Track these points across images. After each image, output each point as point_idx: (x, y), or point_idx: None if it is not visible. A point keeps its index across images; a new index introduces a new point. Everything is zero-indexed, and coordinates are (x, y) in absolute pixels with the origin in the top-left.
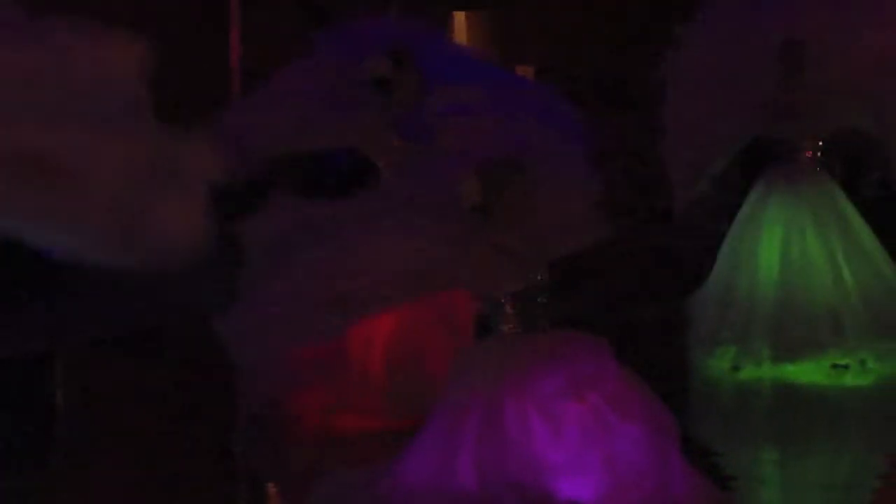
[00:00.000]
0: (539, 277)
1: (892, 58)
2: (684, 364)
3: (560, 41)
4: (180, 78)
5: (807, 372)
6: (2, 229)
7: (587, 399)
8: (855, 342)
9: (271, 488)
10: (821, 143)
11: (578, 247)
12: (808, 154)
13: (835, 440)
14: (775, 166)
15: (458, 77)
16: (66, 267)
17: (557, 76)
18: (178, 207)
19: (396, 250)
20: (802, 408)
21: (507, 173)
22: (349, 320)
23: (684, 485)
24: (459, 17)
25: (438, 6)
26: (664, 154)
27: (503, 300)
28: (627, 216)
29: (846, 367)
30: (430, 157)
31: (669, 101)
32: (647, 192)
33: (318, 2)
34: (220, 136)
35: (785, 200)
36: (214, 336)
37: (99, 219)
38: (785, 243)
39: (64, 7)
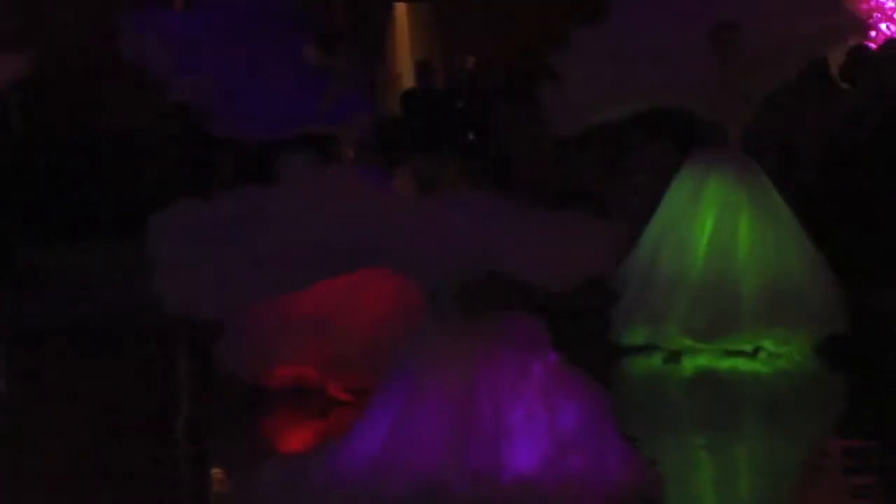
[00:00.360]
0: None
1: (813, 39)
2: (604, 349)
3: (498, 34)
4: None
5: (727, 358)
6: None
7: (532, 373)
8: (752, 329)
9: (216, 474)
10: (749, 129)
11: None
12: (736, 137)
13: (750, 426)
14: (705, 149)
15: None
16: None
17: (494, 67)
18: None
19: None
20: (717, 393)
21: (440, 164)
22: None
23: (620, 459)
24: (400, 8)
25: None
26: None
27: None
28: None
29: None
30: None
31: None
32: (572, 176)
33: None
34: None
35: (719, 183)
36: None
37: None
38: (715, 226)
39: None
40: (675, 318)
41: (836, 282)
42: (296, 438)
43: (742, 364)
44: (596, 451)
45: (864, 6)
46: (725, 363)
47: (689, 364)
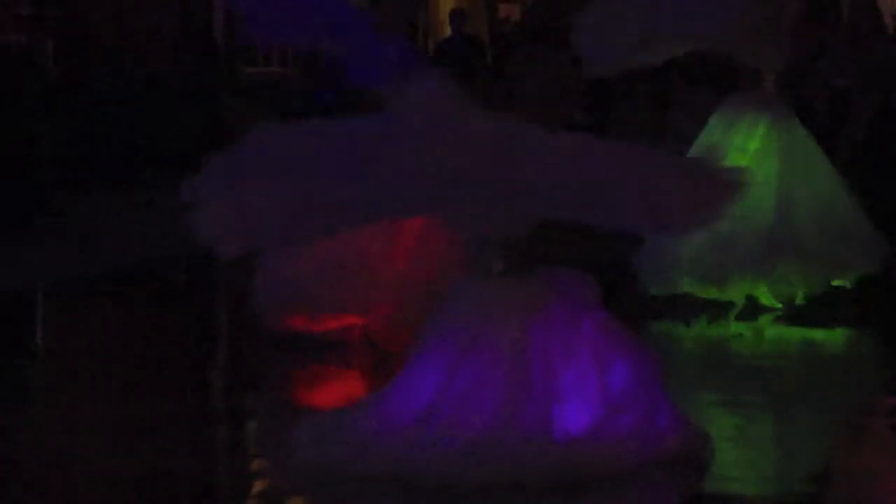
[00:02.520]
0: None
1: None
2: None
3: None
4: None
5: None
6: None
7: (583, 330)
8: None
9: (252, 428)
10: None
11: None
12: (772, 82)
13: (789, 386)
14: (739, 93)
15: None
16: (53, 206)
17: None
18: None
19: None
20: (748, 354)
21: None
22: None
23: (669, 418)
24: None
25: None
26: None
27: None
28: None
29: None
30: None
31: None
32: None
33: None
34: None
35: (751, 128)
36: (193, 276)
37: None
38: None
39: None
40: (695, 265)
41: (874, 228)
42: (335, 392)
43: (771, 326)
44: (646, 411)
45: None
46: (752, 323)
47: (719, 324)
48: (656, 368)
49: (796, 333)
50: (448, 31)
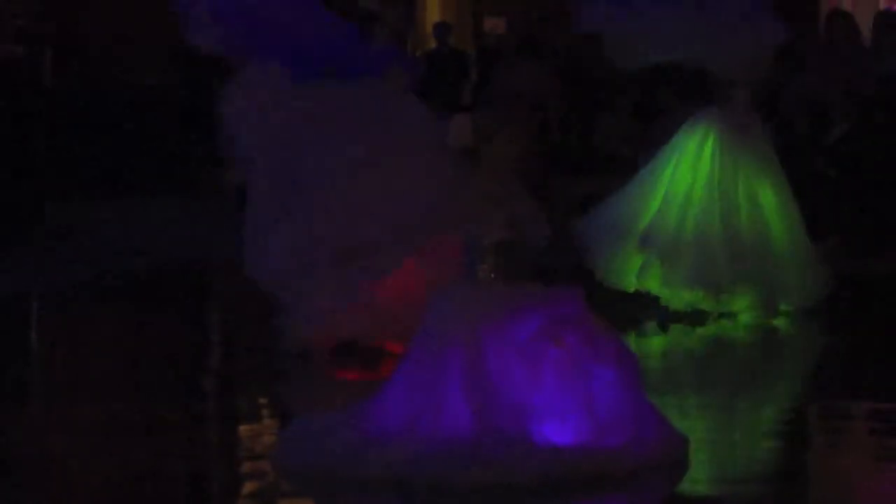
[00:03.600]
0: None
1: None
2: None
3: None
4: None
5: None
6: None
7: (565, 342)
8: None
9: (243, 431)
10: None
11: None
12: (743, 95)
13: (762, 389)
14: (710, 105)
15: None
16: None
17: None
18: None
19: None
20: (717, 357)
21: (498, 120)
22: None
23: (655, 427)
24: None
25: None
26: None
27: (487, 246)
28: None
29: None
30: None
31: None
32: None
33: None
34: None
35: (716, 142)
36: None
37: None
38: (699, 184)
39: None
40: (661, 272)
41: (814, 249)
42: (326, 395)
43: (730, 327)
44: (634, 422)
45: None
46: (719, 327)
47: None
48: (640, 378)
49: (743, 337)
50: (434, 45)
